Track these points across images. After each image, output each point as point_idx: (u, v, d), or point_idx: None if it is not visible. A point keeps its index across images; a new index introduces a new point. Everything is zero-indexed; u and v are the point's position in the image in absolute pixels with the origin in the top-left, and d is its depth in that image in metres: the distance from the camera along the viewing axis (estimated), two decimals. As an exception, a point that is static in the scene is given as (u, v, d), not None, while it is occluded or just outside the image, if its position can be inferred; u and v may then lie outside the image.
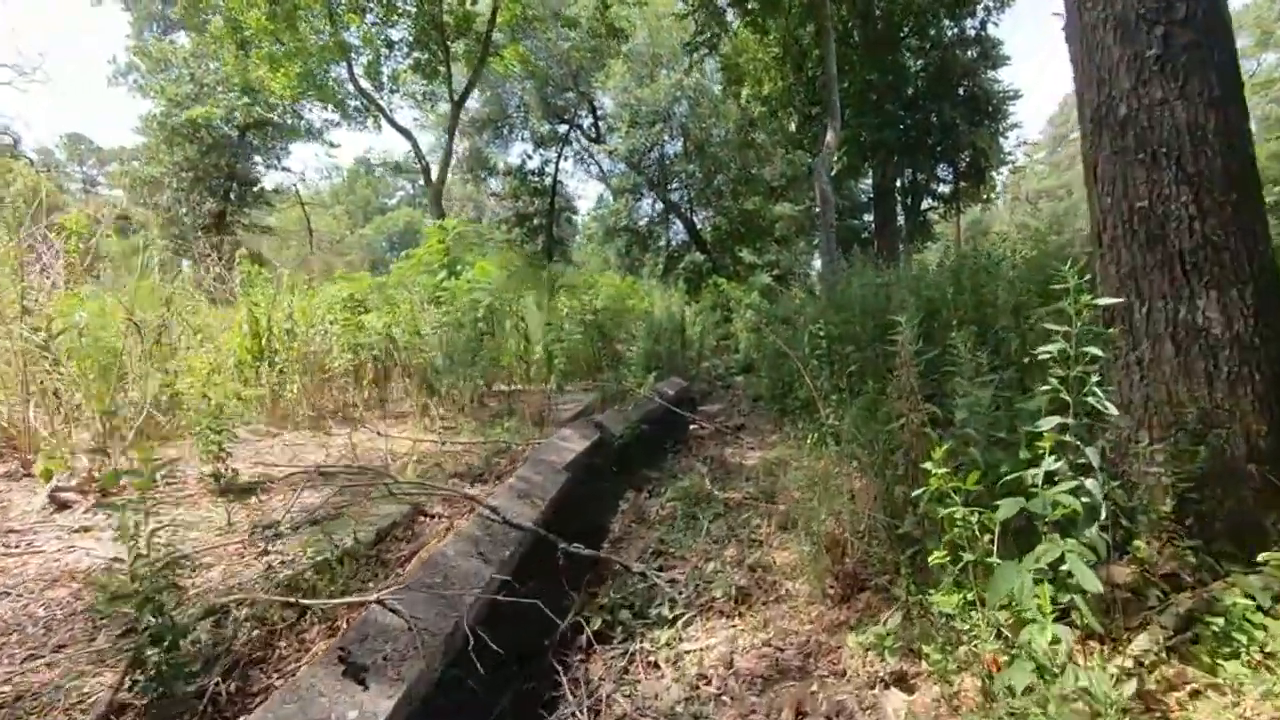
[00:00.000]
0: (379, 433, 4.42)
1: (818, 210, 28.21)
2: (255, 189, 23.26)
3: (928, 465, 2.09)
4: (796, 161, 28.94)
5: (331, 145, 23.95)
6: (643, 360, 10.66)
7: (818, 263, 37.33)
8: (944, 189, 19.13)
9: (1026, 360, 3.52)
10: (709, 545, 3.91)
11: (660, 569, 3.64)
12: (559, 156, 28.29)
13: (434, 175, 13.98)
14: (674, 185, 26.03)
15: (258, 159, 23.00)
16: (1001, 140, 17.41)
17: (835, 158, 13.56)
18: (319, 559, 2.60)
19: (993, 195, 18.84)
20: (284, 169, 23.96)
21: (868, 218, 30.14)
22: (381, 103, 15.02)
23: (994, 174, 17.52)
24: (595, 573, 3.32)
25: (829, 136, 11.69)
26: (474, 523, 2.92)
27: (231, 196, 22.57)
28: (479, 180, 27.96)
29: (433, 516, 3.38)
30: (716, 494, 4.84)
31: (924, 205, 19.72)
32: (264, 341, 6.16)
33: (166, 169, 21.46)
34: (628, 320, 15.14)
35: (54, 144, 54.17)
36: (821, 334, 5.28)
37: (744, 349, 15.32)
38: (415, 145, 14.81)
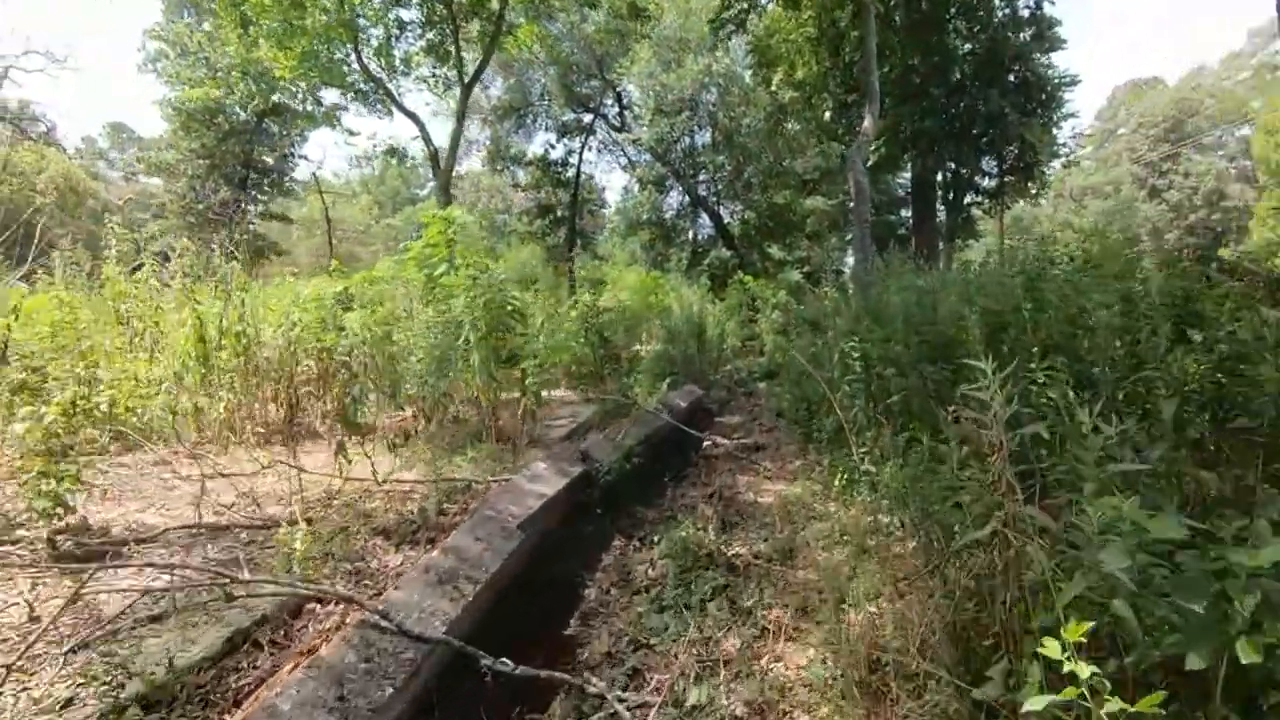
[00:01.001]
0: (297, 467, 3.57)
1: (851, 204, 26.97)
2: (271, 177, 22.82)
3: (1051, 650, 1.16)
4: (830, 153, 27.70)
5: (350, 133, 23.38)
6: (654, 366, 9.75)
7: (851, 259, 35.98)
8: (989, 183, 17.80)
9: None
10: (701, 635, 3.00)
11: (633, 671, 2.75)
12: (583, 146, 27.39)
13: (443, 162, 13.19)
14: (701, 177, 24.98)
15: (277, 146, 22.50)
16: (1055, 131, 16.04)
17: (872, 147, 12.44)
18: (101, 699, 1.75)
19: (1043, 190, 17.46)
20: (301, 157, 23.47)
21: (905, 213, 28.80)
22: (390, 86, 14.27)
23: (1044, 169, 16.14)
24: (539, 691, 2.44)
25: (866, 122, 10.61)
26: (351, 636, 2.05)
27: (248, 184, 22.14)
28: (500, 170, 27.21)
29: (326, 602, 2.53)
30: (721, 549, 3.93)
31: (966, 200, 18.39)
32: (212, 346, 5.38)
33: (182, 155, 21.09)
34: (648, 319, 14.27)
35: (98, 133, 55.17)
36: (856, 354, 4.30)
37: (769, 352, 14.35)
38: (423, 130, 14.03)
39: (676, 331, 11.47)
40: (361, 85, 14.62)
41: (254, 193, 22.61)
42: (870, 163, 13.18)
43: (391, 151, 17.70)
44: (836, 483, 4.43)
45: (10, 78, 34.96)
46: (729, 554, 3.91)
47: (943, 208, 19.15)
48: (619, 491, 4.70)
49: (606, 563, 3.93)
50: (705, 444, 7.82)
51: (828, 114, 19.41)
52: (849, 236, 25.22)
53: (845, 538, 3.80)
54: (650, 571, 3.78)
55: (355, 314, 7.88)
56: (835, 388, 4.48)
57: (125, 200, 27.30)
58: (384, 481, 3.84)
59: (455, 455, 4.82)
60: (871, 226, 31.50)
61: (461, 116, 13.68)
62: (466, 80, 13.73)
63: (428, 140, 14.00)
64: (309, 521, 3.08)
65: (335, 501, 3.54)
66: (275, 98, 20.83)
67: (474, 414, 6.00)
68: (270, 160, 22.91)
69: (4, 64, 30.35)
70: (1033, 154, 15.15)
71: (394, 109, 14.72)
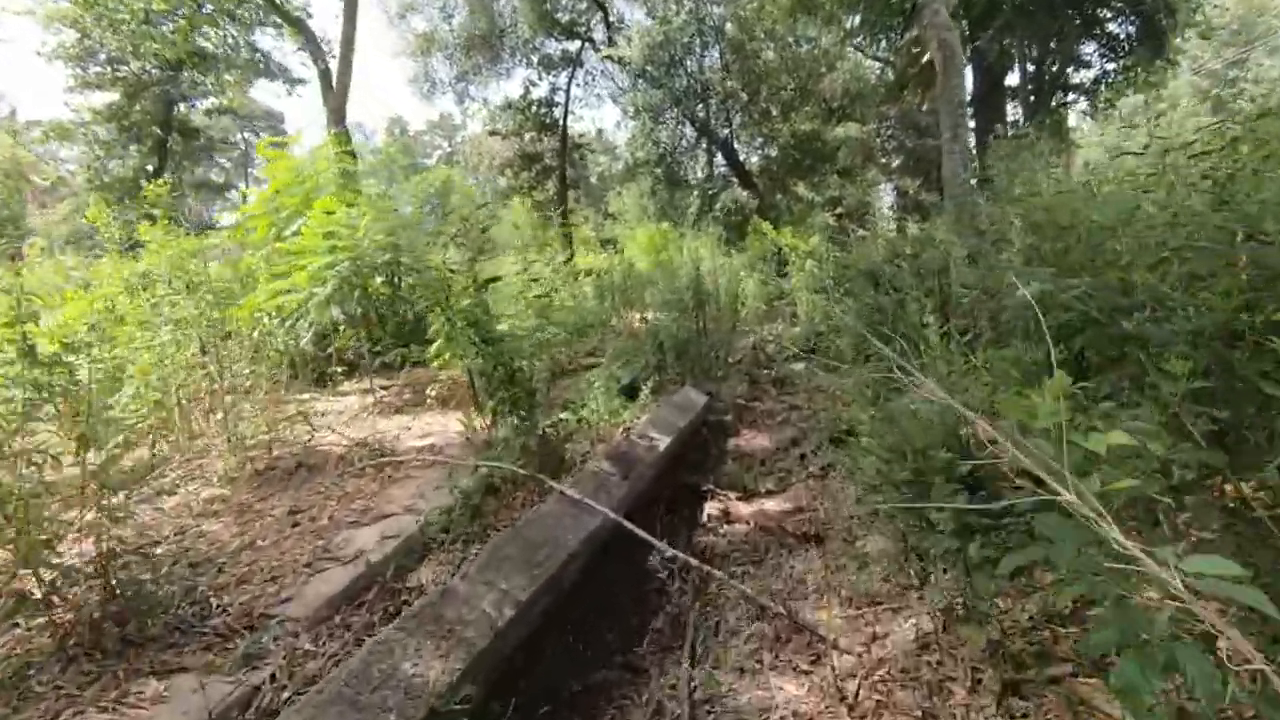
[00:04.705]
0: None
1: (887, 131, 22.47)
2: (199, 140, 19.16)
3: None
4: (861, 73, 23.35)
5: (295, 82, 19.56)
6: (622, 366, 6.03)
7: (889, 198, 31.23)
8: (1085, 75, 13.44)
9: None
10: None
11: None
12: (570, 81, 23.32)
13: (335, 82, 9.46)
14: (711, 104, 20.72)
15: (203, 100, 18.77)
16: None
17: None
18: None
19: (1172, 72, 12.93)
20: (230, 113, 19.72)
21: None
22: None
23: (1181, 36, 11.68)
24: None
25: (952, -55, 6.63)
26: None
27: (172, 148, 18.55)
28: (470, 114, 23.33)
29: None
30: None
31: (1053, 102, 14.04)
32: None
33: (87, 116, 17.63)
34: (653, 284, 10.64)
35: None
36: None
37: (805, 316, 10.58)
38: (311, 41, 10.18)
39: (672, 300, 7.63)
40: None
41: (180, 159, 19.07)
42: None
43: (264, 72, 13.86)
44: None
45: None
46: None
47: (1021, 112, 14.83)
48: None
49: None
50: (711, 509, 4.33)
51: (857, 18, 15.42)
52: (895, 163, 20.91)
53: None
54: None
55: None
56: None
57: (54, 180, 24.17)
58: None
59: None
60: (911, 155, 26.82)
61: (353, 10, 9.79)
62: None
63: (317, 55, 10.18)
64: None
65: None
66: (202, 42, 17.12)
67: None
68: (198, 121, 19.30)
69: (-72, 40, 27.11)
70: (1169, 14, 10.68)
71: (273, 15, 10.84)
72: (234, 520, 3.20)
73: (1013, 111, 15.70)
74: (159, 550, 2.89)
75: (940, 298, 5.71)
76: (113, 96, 17.87)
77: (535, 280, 4.33)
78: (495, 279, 3.85)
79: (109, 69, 17.47)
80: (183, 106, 18.84)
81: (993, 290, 3.60)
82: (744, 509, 4.23)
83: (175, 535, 3.05)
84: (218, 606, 2.44)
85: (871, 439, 3.22)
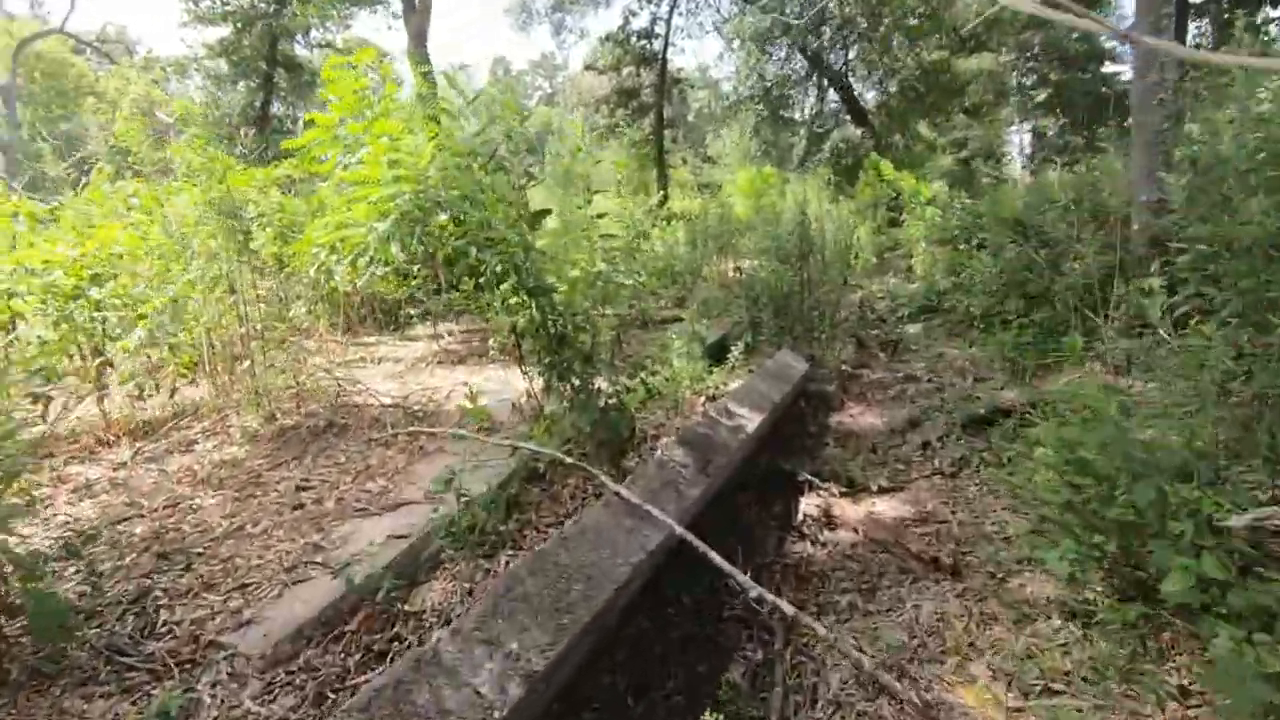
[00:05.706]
0: None
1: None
2: (304, 76, 19.29)
3: None
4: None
5: (394, 16, 19.28)
6: (704, 324, 5.18)
7: (1018, 138, 27.88)
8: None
9: None
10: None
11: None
12: (671, 9, 21.81)
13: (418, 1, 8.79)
14: (825, 31, 18.79)
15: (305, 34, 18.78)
16: None
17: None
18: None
19: None
20: (325, 46, 19.65)
21: (1117, 69, 20.97)
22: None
23: None
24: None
25: None
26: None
27: (279, 83, 18.84)
28: (565, 45, 22.34)
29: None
30: None
31: (1260, 19, 11.51)
32: None
33: (199, 52, 18.10)
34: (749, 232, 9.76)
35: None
36: None
37: (923, 273, 9.38)
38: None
39: (772, 248, 6.62)
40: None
41: (287, 94, 19.34)
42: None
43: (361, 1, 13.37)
44: None
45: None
46: None
47: (1212, 35, 12.36)
48: None
49: None
50: (804, 506, 3.57)
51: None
52: (1040, 96, 18.40)
53: None
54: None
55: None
56: None
57: (177, 116, 25.23)
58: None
59: None
60: (1056, 90, 23.45)
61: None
62: None
63: (401, -29, 9.60)
64: None
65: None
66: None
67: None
68: (299, 55, 19.40)
69: (72, -18, 28.70)
70: None
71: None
72: (234, 494, 2.70)
73: (1195, 33, 13.17)
74: (137, 530, 2.42)
75: (1120, 254, 4.51)
76: (223, 31, 18.16)
77: (601, 216, 3.56)
78: (545, 212, 3.15)
79: (219, 3, 17.70)
80: (294, 42, 18.96)
81: (1232, 242, 2.51)
82: (850, 511, 3.41)
83: (164, 509, 2.58)
84: (164, 624, 1.91)
85: (1050, 450, 2.28)
